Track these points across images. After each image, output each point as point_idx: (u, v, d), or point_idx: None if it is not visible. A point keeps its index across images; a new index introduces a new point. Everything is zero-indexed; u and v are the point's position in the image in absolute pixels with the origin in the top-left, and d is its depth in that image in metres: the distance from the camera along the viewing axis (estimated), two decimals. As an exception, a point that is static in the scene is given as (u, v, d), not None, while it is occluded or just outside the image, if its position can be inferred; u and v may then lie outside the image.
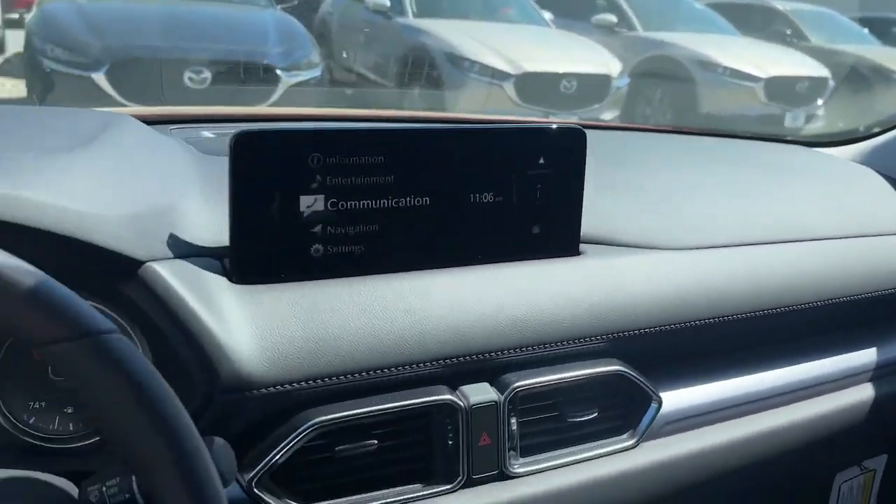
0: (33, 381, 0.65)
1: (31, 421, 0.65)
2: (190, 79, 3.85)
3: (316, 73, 4.22)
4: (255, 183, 0.64)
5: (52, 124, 0.73)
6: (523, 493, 0.70)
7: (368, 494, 0.65)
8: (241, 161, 0.63)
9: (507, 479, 0.69)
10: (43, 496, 0.54)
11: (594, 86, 4.75)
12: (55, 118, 0.74)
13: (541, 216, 0.74)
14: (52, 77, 3.81)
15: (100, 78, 3.76)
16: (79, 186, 0.61)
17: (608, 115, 4.66)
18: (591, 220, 0.79)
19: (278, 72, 4.00)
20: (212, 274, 0.63)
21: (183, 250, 0.64)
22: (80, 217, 0.58)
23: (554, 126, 0.74)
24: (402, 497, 0.66)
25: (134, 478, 0.55)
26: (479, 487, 0.68)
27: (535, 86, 4.55)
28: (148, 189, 0.67)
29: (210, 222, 0.68)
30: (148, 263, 0.60)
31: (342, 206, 0.67)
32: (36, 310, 0.40)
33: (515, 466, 0.70)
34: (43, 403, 0.65)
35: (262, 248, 0.65)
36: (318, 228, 0.67)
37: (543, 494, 0.70)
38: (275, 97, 4.07)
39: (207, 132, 1.00)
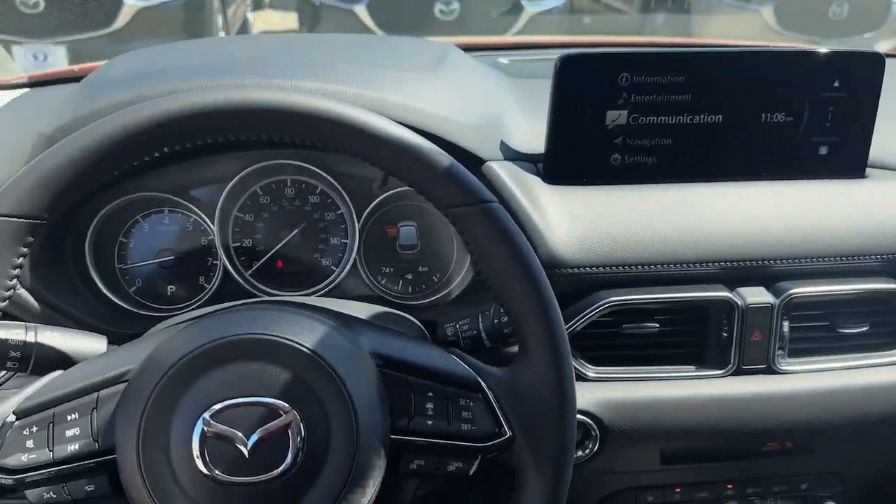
0: (385, 252, 0.85)
1: (382, 282, 0.85)
2: (440, 10, 4.07)
3: (558, 1, 4.24)
4: (571, 98, 0.76)
5: (401, 49, 0.90)
6: (788, 388, 0.77)
7: (646, 367, 0.77)
8: (564, 79, 0.75)
9: (773, 374, 0.77)
10: (409, 326, 0.73)
11: (870, 10, 4.23)
12: (402, 44, 0.92)
13: (830, 138, 0.78)
14: (320, 10, 4.23)
15: (361, 10, 4.10)
16: (439, 97, 0.77)
17: (883, 46, 4.13)
18: (877, 145, 0.81)
19: (523, 1, 4.08)
20: (531, 175, 0.78)
21: (509, 153, 0.79)
22: (445, 121, 0.74)
23: (852, 50, 0.77)
24: (676, 374, 0.77)
25: (480, 318, 0.71)
26: (747, 377, 0.77)
27: (798, 10, 4.15)
28: (483, 102, 0.83)
29: (525, 132, 0.82)
30: (488, 162, 0.76)
31: (642, 120, 0.77)
32: (448, 181, 0.55)
33: (783, 364, 0.77)
34: (391, 269, 0.85)
35: (573, 155, 0.78)
36: (619, 140, 0.78)
37: (806, 392, 0.77)
38: (518, 26, 4.16)
39: (503, 59, 1.14)
